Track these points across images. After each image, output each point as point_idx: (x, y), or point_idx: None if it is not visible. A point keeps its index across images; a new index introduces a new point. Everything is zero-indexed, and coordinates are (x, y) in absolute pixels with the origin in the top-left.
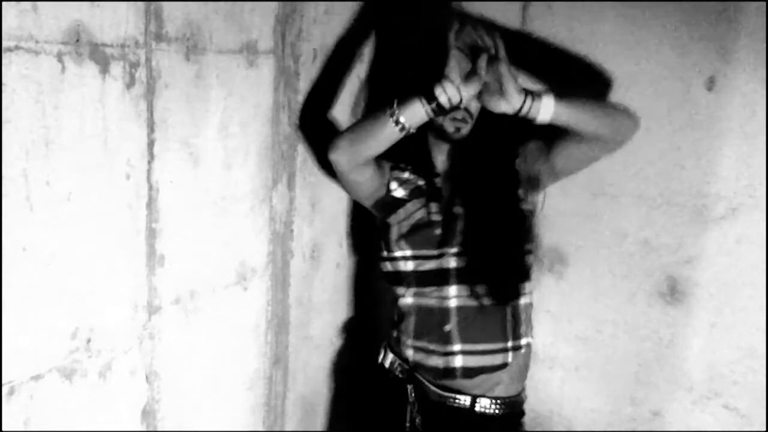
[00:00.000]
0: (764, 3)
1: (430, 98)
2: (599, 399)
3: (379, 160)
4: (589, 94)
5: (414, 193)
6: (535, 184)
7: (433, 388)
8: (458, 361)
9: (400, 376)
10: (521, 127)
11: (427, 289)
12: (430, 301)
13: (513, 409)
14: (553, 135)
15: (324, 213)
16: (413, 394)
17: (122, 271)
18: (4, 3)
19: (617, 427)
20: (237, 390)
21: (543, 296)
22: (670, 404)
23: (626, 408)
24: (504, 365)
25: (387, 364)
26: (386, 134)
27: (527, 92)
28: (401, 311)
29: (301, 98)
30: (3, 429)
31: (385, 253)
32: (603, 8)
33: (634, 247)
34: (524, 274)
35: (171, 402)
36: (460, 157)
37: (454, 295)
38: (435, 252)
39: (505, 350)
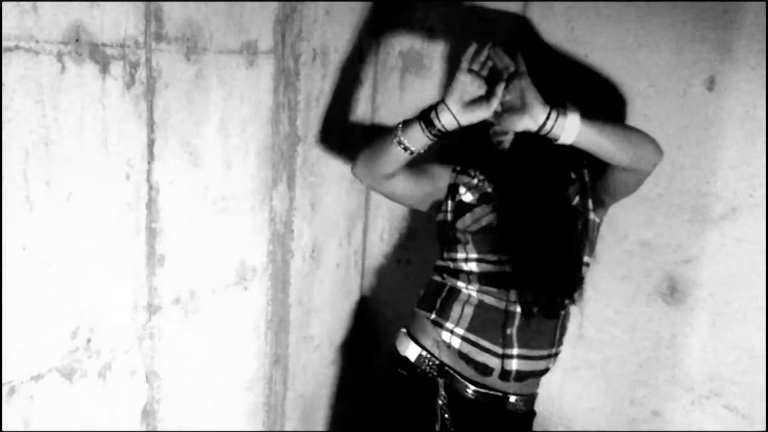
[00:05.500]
0: (764, 3)
1: (428, 123)
2: (599, 399)
3: (431, 166)
4: (610, 119)
5: (482, 198)
6: (600, 201)
7: (466, 383)
8: (514, 365)
9: (429, 371)
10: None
11: (494, 290)
12: (497, 302)
13: (532, 405)
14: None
15: (324, 213)
16: (444, 392)
17: (122, 271)
18: (4, 3)
19: (617, 427)
20: (237, 390)
21: None
22: (670, 404)
23: (626, 408)
24: (546, 370)
25: (413, 358)
26: (395, 156)
27: (552, 106)
28: (453, 296)
29: (301, 98)
30: (3, 429)
31: (449, 255)
32: (603, 8)
33: (634, 247)
34: (575, 286)
35: (171, 402)
36: (509, 165)
37: (516, 300)
38: (498, 257)
39: (550, 356)
